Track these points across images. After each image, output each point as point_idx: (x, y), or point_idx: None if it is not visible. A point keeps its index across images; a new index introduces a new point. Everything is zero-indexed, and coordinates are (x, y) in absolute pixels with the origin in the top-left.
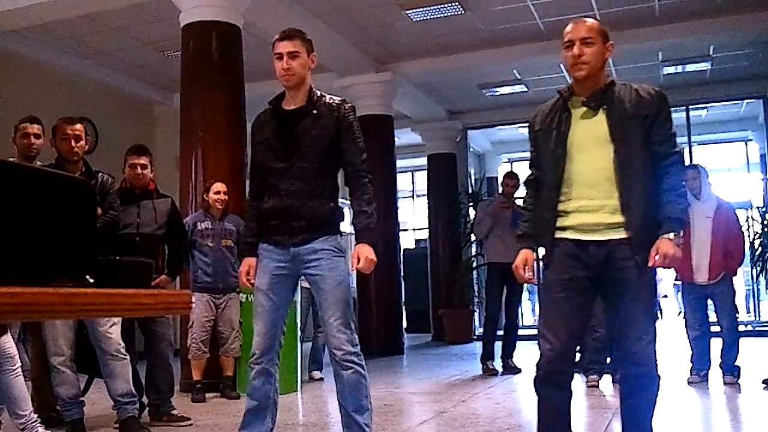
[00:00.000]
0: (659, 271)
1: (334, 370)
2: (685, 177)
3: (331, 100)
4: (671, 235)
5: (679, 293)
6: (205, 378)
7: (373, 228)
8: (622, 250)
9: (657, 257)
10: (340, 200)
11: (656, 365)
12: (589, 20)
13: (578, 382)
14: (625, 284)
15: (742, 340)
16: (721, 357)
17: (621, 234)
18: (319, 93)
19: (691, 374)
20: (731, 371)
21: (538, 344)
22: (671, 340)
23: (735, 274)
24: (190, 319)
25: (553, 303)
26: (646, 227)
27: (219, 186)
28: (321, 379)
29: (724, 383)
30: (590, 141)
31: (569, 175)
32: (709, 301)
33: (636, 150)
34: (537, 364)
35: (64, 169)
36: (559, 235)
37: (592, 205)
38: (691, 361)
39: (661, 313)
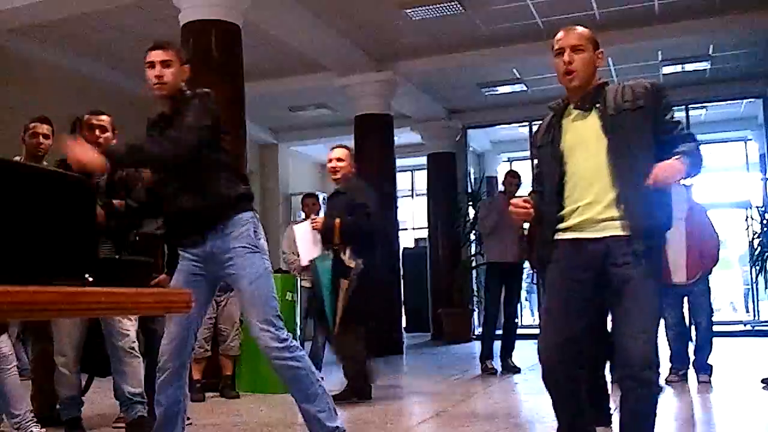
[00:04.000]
0: None
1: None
2: (698, 157)
3: (189, 93)
4: (680, 157)
5: None
6: (204, 377)
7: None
8: (619, 247)
9: (657, 171)
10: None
11: (653, 367)
12: (580, 28)
13: None
14: (624, 282)
15: (741, 340)
16: (695, 355)
17: (618, 230)
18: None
19: (670, 373)
20: (705, 370)
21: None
22: None
23: (710, 273)
24: None
25: (553, 303)
26: (646, 215)
27: None
28: (320, 378)
29: (699, 382)
30: (583, 141)
31: (566, 180)
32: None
33: (632, 139)
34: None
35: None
36: (558, 236)
37: (588, 202)
38: (670, 361)
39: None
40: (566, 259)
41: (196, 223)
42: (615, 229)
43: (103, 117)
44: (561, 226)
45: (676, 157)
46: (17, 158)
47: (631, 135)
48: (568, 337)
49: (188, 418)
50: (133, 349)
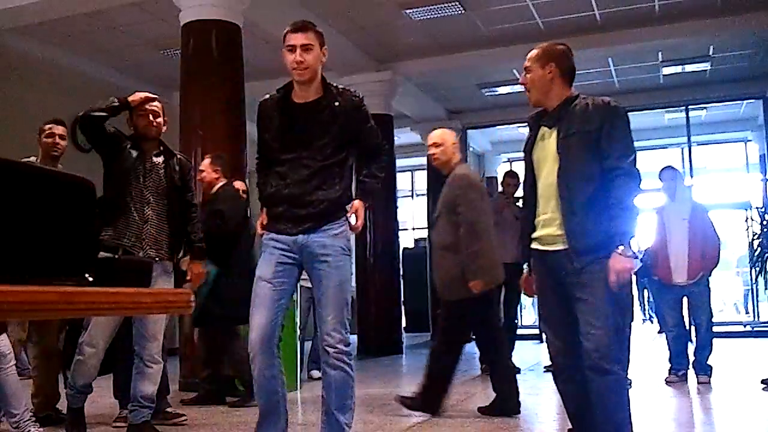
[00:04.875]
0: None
1: (322, 367)
2: (632, 187)
3: (345, 90)
4: (620, 249)
5: (643, 297)
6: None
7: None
8: (568, 258)
9: (611, 277)
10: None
11: (608, 357)
12: (534, 49)
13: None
14: (576, 286)
15: (741, 341)
16: (695, 356)
17: (566, 245)
18: (331, 84)
19: (669, 374)
20: (704, 370)
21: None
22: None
23: (710, 275)
24: None
25: (544, 309)
26: (582, 235)
27: (237, 184)
28: (320, 378)
29: (699, 383)
30: (545, 159)
31: (537, 192)
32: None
33: (578, 164)
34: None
35: (141, 147)
36: (533, 246)
37: (547, 219)
38: (670, 361)
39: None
40: (538, 269)
41: (320, 213)
42: (565, 244)
43: (156, 103)
44: (534, 234)
45: (617, 251)
46: (32, 159)
47: (578, 158)
48: (569, 340)
49: (183, 415)
50: (159, 354)
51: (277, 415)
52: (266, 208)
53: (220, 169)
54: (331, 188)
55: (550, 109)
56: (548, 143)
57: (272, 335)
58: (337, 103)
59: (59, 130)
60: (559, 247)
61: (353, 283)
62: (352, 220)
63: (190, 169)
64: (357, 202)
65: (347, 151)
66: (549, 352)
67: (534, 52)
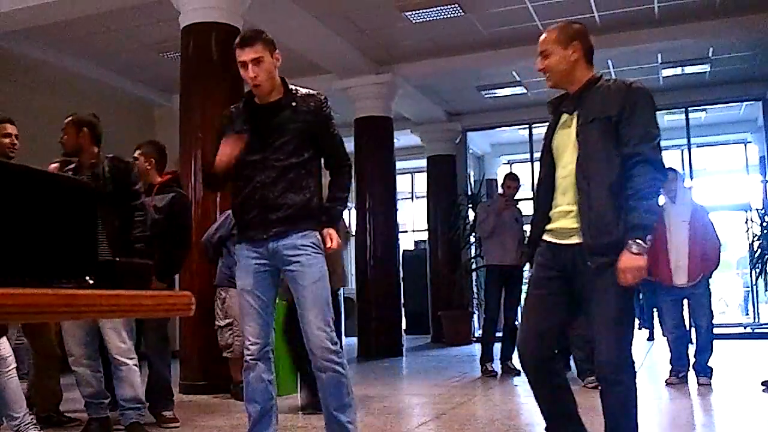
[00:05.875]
0: None
1: (314, 371)
2: (653, 176)
3: (307, 92)
4: (633, 247)
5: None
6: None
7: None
8: (582, 255)
9: (621, 276)
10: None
11: (619, 368)
12: (548, 32)
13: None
14: (588, 288)
15: (741, 343)
16: (695, 358)
17: (581, 239)
18: (293, 86)
19: (670, 375)
20: (705, 372)
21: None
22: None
23: (711, 277)
24: (229, 315)
25: (529, 299)
26: (600, 231)
27: None
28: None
29: (699, 384)
30: (565, 147)
31: (554, 182)
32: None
33: (597, 153)
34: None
35: (76, 165)
36: (544, 237)
37: (563, 211)
38: (670, 363)
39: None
40: (544, 259)
41: (290, 218)
42: (580, 238)
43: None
44: (547, 227)
45: (628, 247)
46: None
47: (598, 147)
48: (540, 331)
49: (177, 420)
50: (120, 355)
51: (269, 419)
52: (237, 216)
53: (153, 160)
54: (300, 192)
55: (572, 92)
56: (568, 130)
57: (267, 342)
58: (295, 103)
59: (15, 129)
60: (574, 240)
61: (353, 285)
62: (328, 243)
63: (129, 171)
64: (327, 230)
65: (312, 151)
66: (518, 349)
67: (550, 34)
